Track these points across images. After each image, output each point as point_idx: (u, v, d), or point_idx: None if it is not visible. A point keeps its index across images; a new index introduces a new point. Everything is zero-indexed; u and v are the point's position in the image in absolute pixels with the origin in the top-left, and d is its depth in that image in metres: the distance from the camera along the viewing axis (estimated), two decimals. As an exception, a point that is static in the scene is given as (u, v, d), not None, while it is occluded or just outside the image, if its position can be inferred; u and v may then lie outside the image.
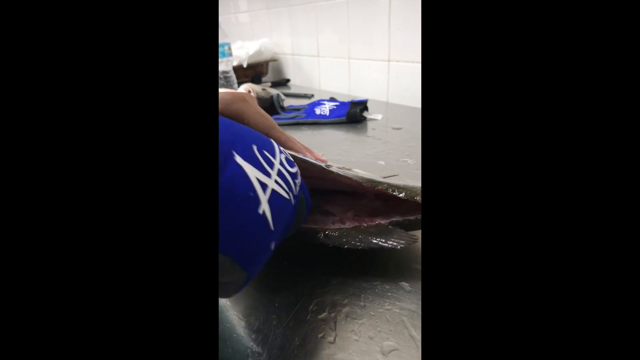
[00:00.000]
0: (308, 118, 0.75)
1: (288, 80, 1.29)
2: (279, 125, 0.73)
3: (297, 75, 1.30)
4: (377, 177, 0.35)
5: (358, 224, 0.32)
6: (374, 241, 0.30)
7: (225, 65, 1.00)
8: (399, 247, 0.29)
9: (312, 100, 0.92)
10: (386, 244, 0.29)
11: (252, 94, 0.74)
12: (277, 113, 0.79)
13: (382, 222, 0.32)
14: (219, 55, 0.98)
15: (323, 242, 0.31)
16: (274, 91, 0.81)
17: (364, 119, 0.76)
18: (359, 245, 0.30)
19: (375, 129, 0.71)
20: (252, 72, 1.24)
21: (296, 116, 0.76)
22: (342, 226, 0.32)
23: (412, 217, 0.31)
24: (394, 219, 0.32)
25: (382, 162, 0.53)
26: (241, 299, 0.28)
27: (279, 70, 1.39)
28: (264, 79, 1.29)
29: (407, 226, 0.31)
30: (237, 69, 1.18)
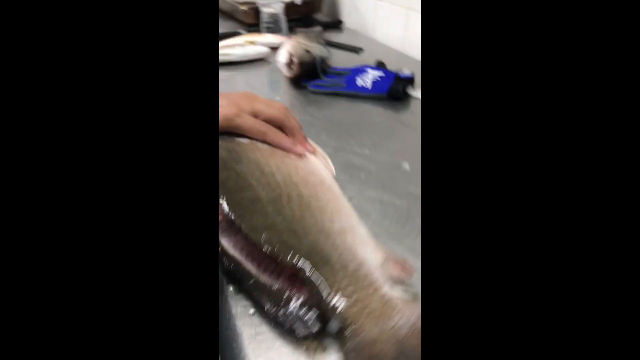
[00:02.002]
0: (348, 89, 0.73)
1: (341, 22, 1.21)
2: (318, 93, 0.72)
3: (352, 16, 1.21)
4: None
5: (289, 287, 0.30)
6: (279, 317, 0.29)
7: (274, 7, 0.95)
8: (295, 334, 0.28)
9: (358, 66, 0.87)
10: (284, 327, 0.29)
11: (294, 59, 0.72)
12: (319, 77, 0.77)
13: (303, 297, 0.29)
14: (270, -4, 0.93)
15: (247, 290, 0.32)
16: (318, 51, 0.78)
17: (408, 96, 0.72)
18: (270, 315, 0.29)
19: (417, 112, 0.68)
20: (304, 9, 1.17)
21: (336, 85, 0.74)
22: (274, 282, 0.31)
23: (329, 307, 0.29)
24: (312, 301, 0.29)
25: (407, 167, 0.53)
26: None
27: (333, 7, 1.29)
28: (317, 16, 1.21)
29: (322, 312, 0.29)
30: (289, 6, 1.12)
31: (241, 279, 0.33)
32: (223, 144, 0.42)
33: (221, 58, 0.84)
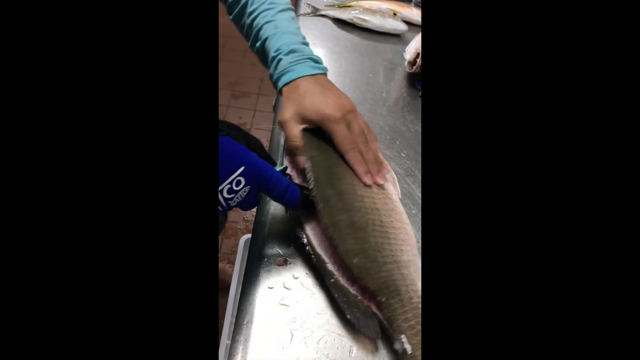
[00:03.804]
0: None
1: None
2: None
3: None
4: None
5: (361, 296, 0.39)
6: (356, 315, 0.37)
7: None
8: (360, 331, 0.36)
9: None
10: (356, 326, 0.37)
11: (418, 60, 0.71)
12: (435, 83, 0.76)
13: (372, 307, 0.38)
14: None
15: (328, 286, 0.40)
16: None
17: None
18: (346, 312, 0.37)
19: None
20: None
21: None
22: (349, 288, 0.39)
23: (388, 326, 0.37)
24: (378, 315, 0.38)
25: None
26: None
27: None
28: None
29: (381, 326, 0.38)
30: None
31: (323, 275, 0.40)
32: (325, 159, 0.45)
33: (358, 22, 0.85)
